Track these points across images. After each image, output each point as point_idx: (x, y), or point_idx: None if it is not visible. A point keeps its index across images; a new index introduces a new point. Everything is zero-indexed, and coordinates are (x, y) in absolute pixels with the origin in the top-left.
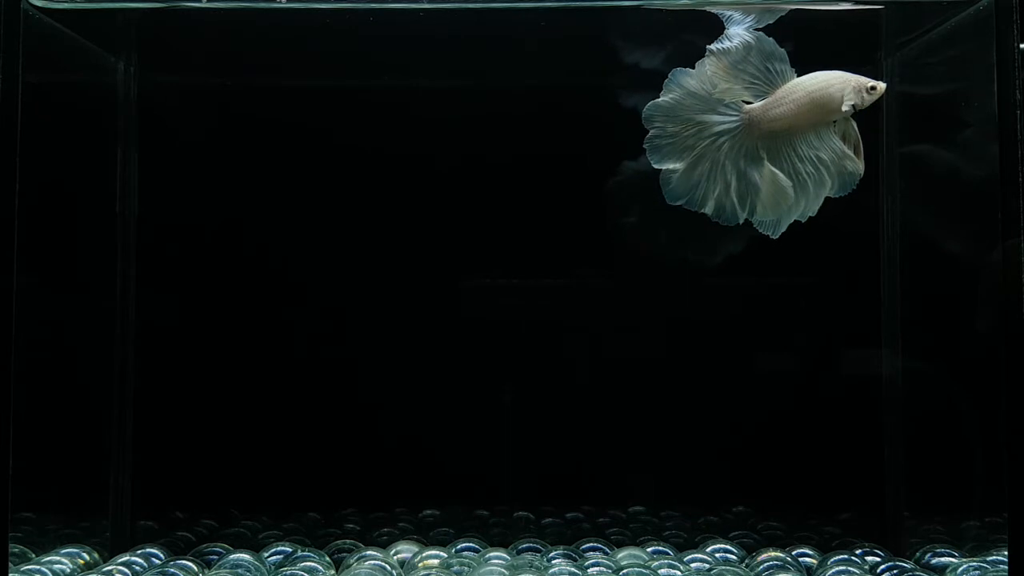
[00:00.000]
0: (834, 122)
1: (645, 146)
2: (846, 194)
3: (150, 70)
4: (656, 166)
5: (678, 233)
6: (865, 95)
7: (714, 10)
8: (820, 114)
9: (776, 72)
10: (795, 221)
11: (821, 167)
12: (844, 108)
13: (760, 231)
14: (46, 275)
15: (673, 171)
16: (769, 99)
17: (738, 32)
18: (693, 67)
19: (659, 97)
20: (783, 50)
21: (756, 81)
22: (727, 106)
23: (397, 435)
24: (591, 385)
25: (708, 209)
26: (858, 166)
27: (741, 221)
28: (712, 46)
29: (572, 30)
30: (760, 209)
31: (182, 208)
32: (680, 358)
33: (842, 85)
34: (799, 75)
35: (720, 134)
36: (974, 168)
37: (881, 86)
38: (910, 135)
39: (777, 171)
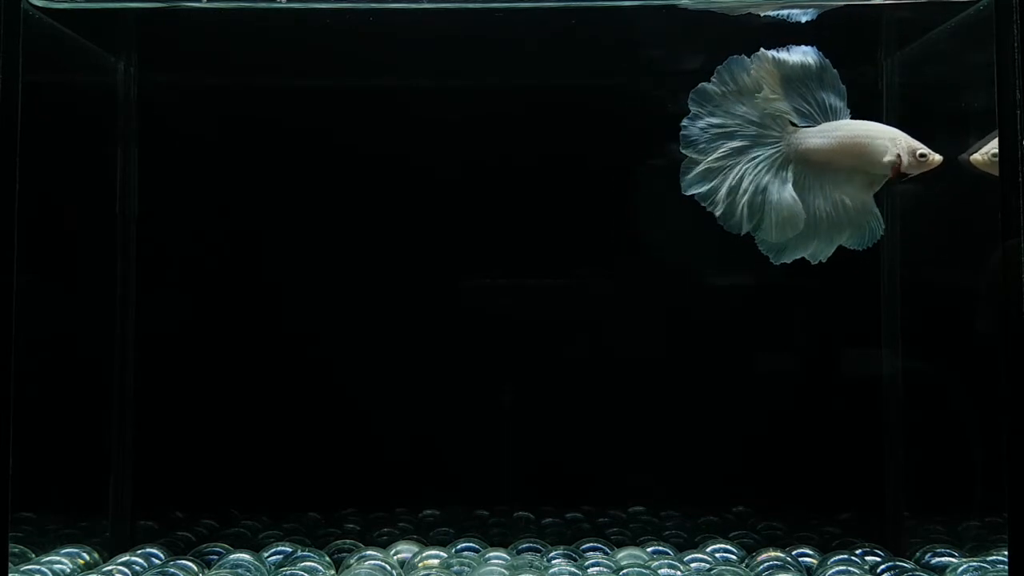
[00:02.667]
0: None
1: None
2: (863, 248)
3: (150, 70)
4: (683, 150)
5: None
6: (913, 160)
7: (760, 11)
8: (859, 161)
9: (828, 106)
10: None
11: (841, 212)
12: (886, 160)
13: (761, 250)
14: (46, 275)
15: (696, 161)
16: (815, 128)
17: (804, 50)
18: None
19: (707, 83)
20: (843, 87)
21: (803, 105)
22: (773, 118)
23: (397, 435)
24: (591, 385)
25: (718, 210)
26: (881, 224)
27: (743, 232)
28: (770, 52)
29: (573, 30)
30: (766, 227)
31: (182, 208)
32: (680, 358)
33: (890, 141)
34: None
35: (755, 141)
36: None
37: (936, 158)
38: (910, 135)
39: (796, 198)
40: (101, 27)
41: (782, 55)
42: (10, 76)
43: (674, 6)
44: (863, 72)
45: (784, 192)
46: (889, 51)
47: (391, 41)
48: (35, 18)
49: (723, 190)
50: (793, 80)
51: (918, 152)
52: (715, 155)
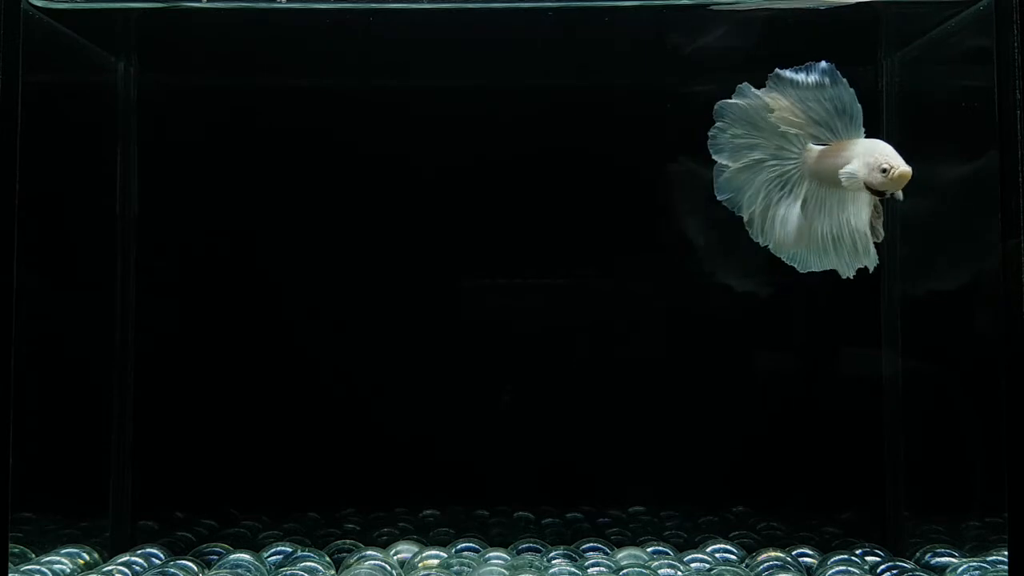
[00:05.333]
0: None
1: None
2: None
3: (150, 70)
4: (713, 156)
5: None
6: (878, 175)
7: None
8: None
9: (841, 128)
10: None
11: (843, 237)
12: (842, 177)
13: (785, 262)
14: (46, 275)
15: (725, 167)
16: (828, 147)
17: (822, 69)
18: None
19: (728, 100)
20: (860, 107)
21: (817, 125)
22: (791, 136)
23: (397, 435)
24: (591, 385)
25: (745, 215)
26: (862, 260)
27: (760, 242)
28: (786, 72)
29: (575, 29)
30: (778, 240)
31: (182, 209)
32: (680, 358)
33: (858, 159)
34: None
35: (776, 154)
36: (973, 167)
37: (901, 171)
38: (910, 135)
39: (802, 215)
40: (101, 27)
41: (798, 76)
42: (10, 76)
43: (674, 5)
44: (863, 72)
45: (792, 208)
46: (889, 51)
47: (391, 41)
48: (35, 18)
49: (743, 199)
50: (807, 99)
51: (881, 166)
52: (740, 164)
